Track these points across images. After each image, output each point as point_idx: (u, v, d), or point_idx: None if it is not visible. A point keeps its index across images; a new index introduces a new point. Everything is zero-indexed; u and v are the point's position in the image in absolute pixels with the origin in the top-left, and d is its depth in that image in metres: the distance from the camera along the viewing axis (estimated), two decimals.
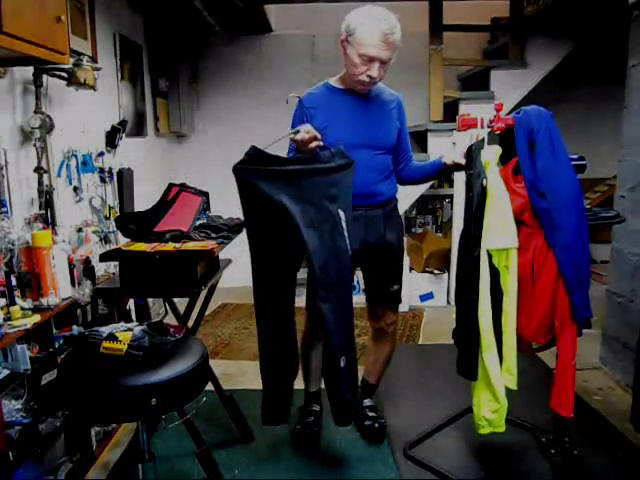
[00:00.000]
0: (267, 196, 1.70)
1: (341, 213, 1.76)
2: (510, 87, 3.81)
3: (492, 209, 1.73)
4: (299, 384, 2.31)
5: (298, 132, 1.75)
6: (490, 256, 1.73)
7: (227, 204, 2.81)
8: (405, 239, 4.03)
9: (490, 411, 1.80)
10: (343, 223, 1.76)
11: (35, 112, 2.21)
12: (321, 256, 1.72)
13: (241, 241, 2.12)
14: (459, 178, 3.79)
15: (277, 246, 1.81)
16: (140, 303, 2.64)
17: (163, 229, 1.88)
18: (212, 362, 1.82)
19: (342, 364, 1.83)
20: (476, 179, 1.74)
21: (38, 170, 2.25)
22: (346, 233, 1.76)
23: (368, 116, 1.97)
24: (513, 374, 1.76)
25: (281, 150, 2.11)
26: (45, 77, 2.25)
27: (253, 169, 1.72)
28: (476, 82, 4.17)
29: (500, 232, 1.72)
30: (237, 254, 2.35)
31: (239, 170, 1.73)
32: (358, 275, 3.51)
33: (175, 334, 1.53)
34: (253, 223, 1.81)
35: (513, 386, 1.77)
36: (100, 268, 2.14)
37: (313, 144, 1.77)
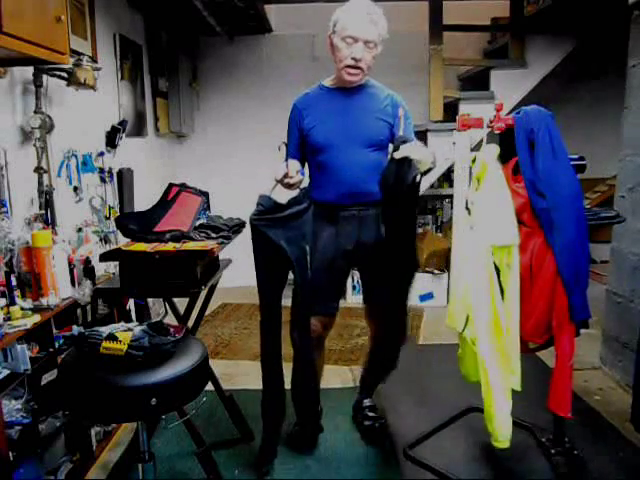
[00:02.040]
0: (272, 241, 1.82)
1: (307, 248, 1.87)
2: (510, 87, 3.81)
3: (493, 206, 1.73)
4: None
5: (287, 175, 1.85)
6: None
7: (227, 204, 2.82)
8: None
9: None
10: (308, 256, 1.87)
11: (35, 112, 2.21)
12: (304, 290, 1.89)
13: (241, 241, 2.12)
14: (459, 178, 3.79)
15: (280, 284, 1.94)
16: (140, 303, 2.65)
17: (163, 229, 1.88)
18: (212, 362, 1.81)
19: None
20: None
21: (38, 170, 2.25)
22: (308, 264, 1.88)
23: (357, 113, 1.98)
24: (517, 374, 1.75)
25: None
26: (45, 77, 2.25)
27: (264, 219, 1.82)
28: (476, 82, 4.17)
29: (501, 229, 1.72)
30: (237, 254, 2.35)
31: (254, 223, 1.83)
32: (357, 275, 3.52)
33: (175, 334, 1.53)
34: (264, 270, 1.90)
35: (517, 387, 1.75)
36: (100, 268, 2.14)
37: (296, 182, 1.86)
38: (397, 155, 1.75)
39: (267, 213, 1.81)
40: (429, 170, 1.94)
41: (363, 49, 1.87)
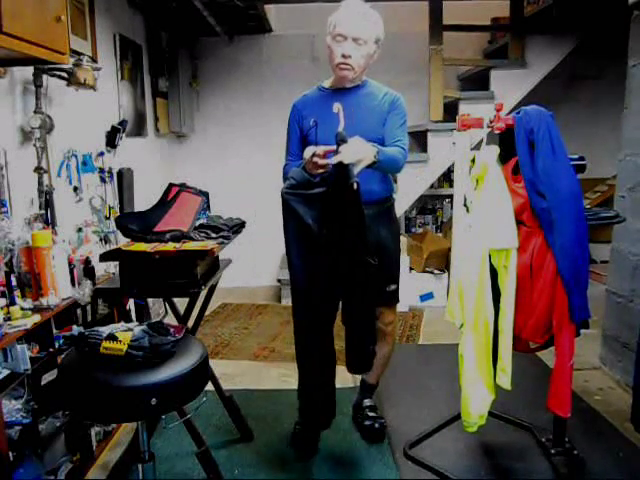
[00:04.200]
0: (301, 218, 1.79)
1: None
2: (510, 87, 3.81)
3: (493, 208, 1.74)
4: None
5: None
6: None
7: (227, 204, 2.82)
8: (405, 239, 4.04)
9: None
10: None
11: (35, 112, 2.21)
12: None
13: (241, 241, 2.12)
14: (459, 178, 3.79)
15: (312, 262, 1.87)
16: (140, 303, 2.65)
17: (163, 229, 1.88)
18: (212, 362, 1.82)
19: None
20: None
21: (38, 170, 2.25)
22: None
23: (354, 113, 1.96)
24: (507, 374, 1.76)
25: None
26: (45, 77, 2.25)
27: (296, 194, 1.79)
28: (476, 82, 4.17)
29: (500, 232, 1.73)
30: (237, 254, 2.35)
31: (286, 197, 1.80)
32: None
33: (175, 334, 1.53)
34: (293, 243, 1.86)
35: (507, 386, 1.77)
36: (100, 268, 2.14)
37: (321, 168, 1.79)
38: (333, 161, 1.71)
39: (299, 187, 1.77)
40: (374, 163, 1.80)
41: (352, 46, 1.89)
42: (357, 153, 1.73)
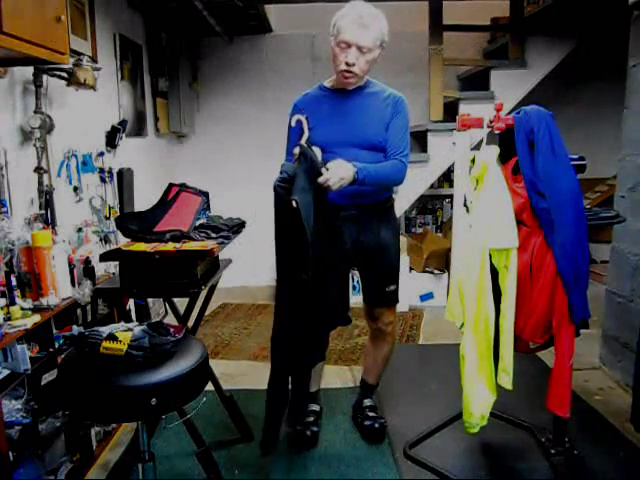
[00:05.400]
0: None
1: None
2: (510, 87, 3.81)
3: (493, 208, 1.74)
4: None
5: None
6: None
7: (227, 204, 2.82)
8: (405, 239, 4.04)
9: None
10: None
11: (35, 112, 2.21)
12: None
13: (241, 241, 2.12)
14: (459, 178, 3.79)
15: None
16: (140, 303, 2.65)
17: (163, 229, 1.88)
18: (212, 362, 1.82)
19: None
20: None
21: (38, 170, 2.25)
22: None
23: (355, 115, 1.97)
24: (509, 374, 1.76)
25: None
26: (45, 77, 2.25)
27: (286, 187, 1.76)
28: (476, 82, 4.17)
29: (501, 232, 1.73)
30: (237, 254, 2.35)
31: (277, 190, 1.77)
32: (357, 275, 3.51)
33: (175, 334, 1.53)
34: (282, 235, 1.84)
35: (509, 386, 1.77)
36: (100, 268, 2.14)
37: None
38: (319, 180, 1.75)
39: (290, 182, 1.75)
40: (354, 181, 1.83)
41: (356, 54, 1.87)
42: (342, 179, 1.77)
